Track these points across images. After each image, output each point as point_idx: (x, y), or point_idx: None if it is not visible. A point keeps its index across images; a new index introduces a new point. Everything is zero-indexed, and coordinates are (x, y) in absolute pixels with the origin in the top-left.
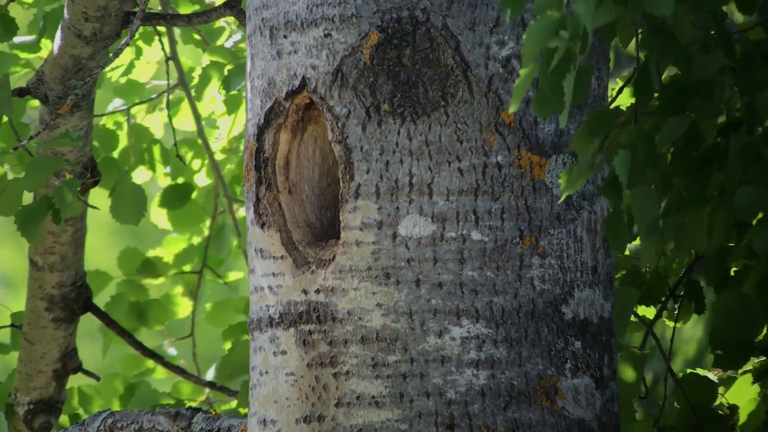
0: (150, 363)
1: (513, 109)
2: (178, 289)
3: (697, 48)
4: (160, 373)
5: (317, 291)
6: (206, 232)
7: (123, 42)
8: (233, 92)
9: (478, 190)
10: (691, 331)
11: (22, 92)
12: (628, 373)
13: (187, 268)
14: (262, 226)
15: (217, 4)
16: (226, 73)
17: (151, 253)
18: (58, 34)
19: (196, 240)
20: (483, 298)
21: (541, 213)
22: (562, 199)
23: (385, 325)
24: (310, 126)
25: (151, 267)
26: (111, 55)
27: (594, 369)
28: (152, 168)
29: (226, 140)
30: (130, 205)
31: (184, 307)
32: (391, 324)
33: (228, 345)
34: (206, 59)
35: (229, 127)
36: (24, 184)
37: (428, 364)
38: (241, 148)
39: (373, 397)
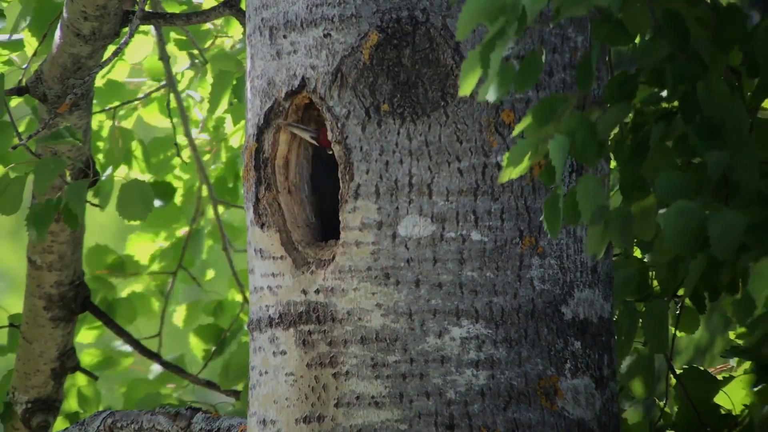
0: (126, 362)
1: (462, 92)
2: (149, 288)
3: (650, 37)
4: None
5: (317, 291)
6: (183, 233)
7: (122, 41)
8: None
9: (478, 190)
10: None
11: (21, 91)
12: (638, 389)
13: (159, 267)
14: (262, 226)
15: (204, 5)
16: (234, 81)
17: (122, 252)
18: (57, 32)
19: (172, 239)
20: (483, 299)
21: (540, 213)
22: (502, 180)
23: (385, 325)
24: (310, 126)
25: (122, 266)
26: (111, 54)
27: (594, 369)
28: (132, 167)
29: (209, 142)
30: (136, 202)
31: (153, 307)
32: (391, 324)
33: (193, 344)
34: (210, 76)
35: (240, 137)
36: (33, 187)
37: (428, 364)
38: (222, 150)
39: (372, 397)
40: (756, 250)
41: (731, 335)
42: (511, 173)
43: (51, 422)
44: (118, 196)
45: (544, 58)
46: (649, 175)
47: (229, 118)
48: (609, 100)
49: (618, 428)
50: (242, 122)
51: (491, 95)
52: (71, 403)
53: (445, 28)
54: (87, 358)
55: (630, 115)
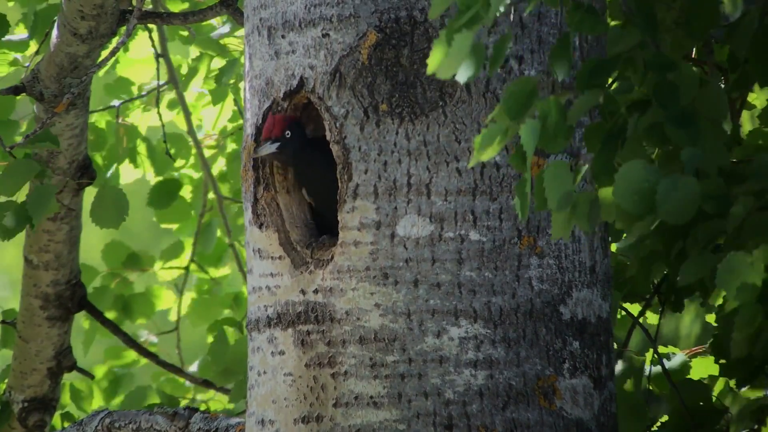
0: (133, 355)
1: (430, 70)
2: (163, 283)
3: (620, 24)
4: (143, 362)
5: (315, 291)
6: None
7: (120, 40)
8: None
9: (476, 190)
10: (690, 327)
11: (17, 90)
12: (627, 383)
13: (174, 263)
14: (260, 226)
15: (207, 3)
16: (213, 64)
17: (137, 248)
18: (54, 32)
19: (184, 236)
20: (481, 298)
21: (539, 213)
22: (471, 164)
23: (384, 325)
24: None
25: (137, 261)
26: (109, 53)
27: (592, 369)
28: (139, 165)
29: (213, 138)
30: (110, 209)
31: (168, 301)
32: (390, 324)
33: (211, 340)
34: (194, 51)
35: (215, 119)
36: (1, 189)
37: (426, 364)
38: (227, 145)
39: (371, 397)
40: (715, 220)
41: (709, 318)
42: (481, 156)
43: (47, 421)
44: (93, 203)
45: (546, 56)
46: (620, 163)
47: (225, 113)
48: (581, 87)
49: (616, 428)
50: (223, 103)
51: (461, 76)
52: (66, 401)
53: (443, 28)
54: (106, 357)
55: (600, 101)
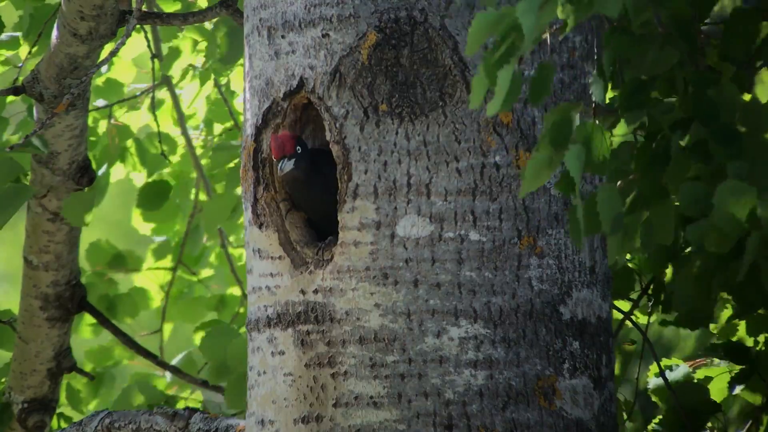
0: (117, 355)
1: (473, 105)
2: (149, 284)
3: (658, 44)
4: (125, 362)
5: (315, 291)
6: (183, 228)
7: (119, 41)
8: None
9: (476, 191)
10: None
11: (17, 91)
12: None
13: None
14: (260, 226)
15: (199, 4)
16: (201, 49)
17: (123, 247)
18: (54, 32)
19: (172, 236)
20: (481, 299)
21: (539, 213)
22: (522, 194)
23: (383, 325)
24: (309, 126)
25: (122, 261)
26: (108, 54)
27: (592, 369)
28: (132, 166)
29: (201, 138)
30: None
31: (154, 301)
32: (389, 324)
33: (197, 340)
34: (182, 35)
35: (194, 95)
36: None
37: (426, 364)
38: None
39: (371, 397)
40: None
41: (712, 328)
42: (530, 187)
43: (47, 422)
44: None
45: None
46: (666, 181)
47: (205, 94)
48: (623, 108)
49: (616, 428)
50: (206, 86)
51: (497, 108)
52: (62, 401)
53: (443, 28)
54: (88, 358)
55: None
